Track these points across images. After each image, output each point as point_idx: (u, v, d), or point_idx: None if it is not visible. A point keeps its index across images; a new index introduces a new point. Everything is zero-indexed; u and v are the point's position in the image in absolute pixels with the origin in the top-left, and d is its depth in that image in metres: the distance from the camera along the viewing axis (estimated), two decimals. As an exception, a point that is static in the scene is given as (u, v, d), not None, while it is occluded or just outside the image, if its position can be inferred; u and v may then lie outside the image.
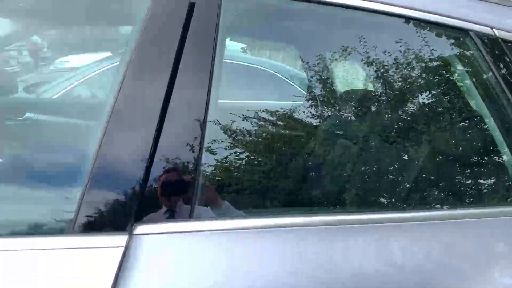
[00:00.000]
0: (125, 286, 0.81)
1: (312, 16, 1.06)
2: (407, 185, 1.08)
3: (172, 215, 0.90)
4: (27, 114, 2.48)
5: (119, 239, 0.85)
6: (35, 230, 0.88)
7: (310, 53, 1.14)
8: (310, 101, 1.17)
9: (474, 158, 1.15)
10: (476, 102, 1.07)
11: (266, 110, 1.13)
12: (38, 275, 0.81)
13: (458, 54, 1.08)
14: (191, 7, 0.94)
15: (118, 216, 0.86)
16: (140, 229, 0.87)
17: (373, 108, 1.10)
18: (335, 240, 0.91)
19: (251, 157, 1.03)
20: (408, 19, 1.02)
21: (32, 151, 1.04)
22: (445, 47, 1.08)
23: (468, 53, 1.06)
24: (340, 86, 1.11)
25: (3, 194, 0.97)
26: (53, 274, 0.81)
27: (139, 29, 0.93)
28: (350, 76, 1.09)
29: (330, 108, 1.21)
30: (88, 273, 0.82)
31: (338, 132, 1.13)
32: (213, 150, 0.97)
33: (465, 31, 1.03)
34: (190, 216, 0.90)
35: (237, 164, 1.02)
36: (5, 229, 0.87)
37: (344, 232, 0.93)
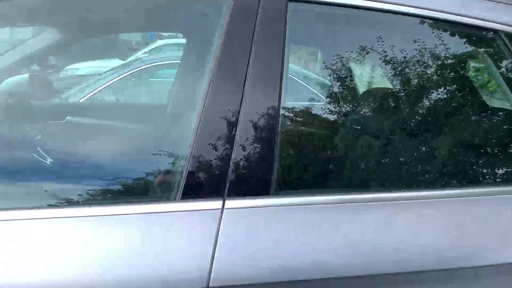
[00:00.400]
0: (224, 241, 0.98)
1: (345, 20, 1.21)
2: (431, 167, 1.23)
3: (256, 192, 1.06)
4: (68, 118, 2.63)
5: (214, 205, 1.02)
6: (149, 198, 1.06)
7: (350, 55, 1.29)
8: (348, 96, 1.33)
9: (498, 145, 1.31)
10: (505, 95, 1.23)
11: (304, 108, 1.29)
12: (155, 235, 0.99)
13: (489, 52, 1.25)
14: (261, 18, 1.10)
15: (213, 187, 1.03)
16: (231, 203, 1.03)
17: (415, 102, 1.26)
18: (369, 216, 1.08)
19: (311, 146, 1.20)
20: (444, 22, 1.18)
21: (139, 142, 1.21)
22: (477, 46, 1.25)
23: (498, 51, 1.22)
24: (381, 84, 1.27)
25: (128, 172, 1.14)
26: (167, 233, 0.99)
27: (218, 42, 1.08)
28: (389, 76, 1.25)
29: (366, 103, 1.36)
30: (192, 232, 0.99)
31: (373, 122, 1.29)
32: (286, 139, 1.13)
33: (495, 32, 1.20)
34: (270, 193, 1.07)
35: (303, 151, 1.19)
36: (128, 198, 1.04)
37: (364, 209, 1.09)
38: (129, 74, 3.82)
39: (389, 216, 1.09)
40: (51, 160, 1.52)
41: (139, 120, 1.56)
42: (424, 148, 1.21)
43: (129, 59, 6.83)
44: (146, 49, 6.97)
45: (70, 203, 1.06)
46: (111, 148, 1.20)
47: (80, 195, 1.09)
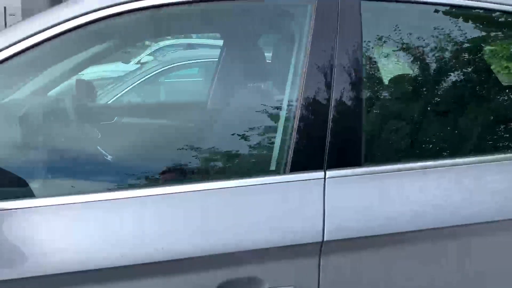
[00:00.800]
0: (330, 203, 1.22)
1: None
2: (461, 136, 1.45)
3: (350, 163, 1.29)
4: (116, 118, 2.82)
5: (318, 176, 1.25)
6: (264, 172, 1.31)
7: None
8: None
9: None
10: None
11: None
12: (273, 201, 1.22)
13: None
14: (341, 16, 1.32)
15: (315, 161, 1.26)
16: (330, 173, 1.26)
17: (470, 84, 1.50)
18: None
19: (389, 125, 1.44)
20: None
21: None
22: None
23: None
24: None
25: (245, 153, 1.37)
26: (283, 199, 1.22)
27: (306, 47, 1.30)
28: (444, 58, 1.47)
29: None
30: (304, 197, 1.22)
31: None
32: (369, 119, 1.36)
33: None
34: (361, 164, 1.30)
35: (384, 130, 1.43)
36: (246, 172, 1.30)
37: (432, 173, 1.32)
38: (151, 76, 3.99)
39: (453, 179, 1.32)
40: (111, 156, 1.72)
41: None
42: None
43: (131, 62, 6.96)
44: (148, 51, 7.09)
45: (198, 179, 1.28)
46: (225, 136, 1.42)
47: (213, 171, 1.32)
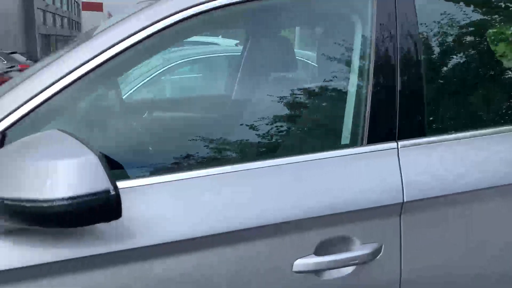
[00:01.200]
0: (406, 169, 1.39)
1: None
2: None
3: (417, 134, 1.47)
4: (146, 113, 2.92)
5: (392, 146, 1.42)
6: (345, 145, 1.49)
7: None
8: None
9: None
10: None
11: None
12: (359, 169, 1.39)
13: None
14: (400, 22, 1.49)
15: (388, 133, 1.43)
16: (402, 143, 1.44)
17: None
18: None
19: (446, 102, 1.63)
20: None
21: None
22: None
23: None
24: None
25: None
26: (366, 167, 1.39)
27: (371, 32, 1.48)
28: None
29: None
30: (382, 164, 1.40)
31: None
32: (430, 98, 1.53)
33: None
34: (425, 134, 1.48)
35: (442, 105, 1.61)
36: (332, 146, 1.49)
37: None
38: (159, 73, 4.08)
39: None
40: (151, 149, 1.83)
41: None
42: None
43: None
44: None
45: (291, 154, 1.43)
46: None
47: (305, 145, 1.48)
